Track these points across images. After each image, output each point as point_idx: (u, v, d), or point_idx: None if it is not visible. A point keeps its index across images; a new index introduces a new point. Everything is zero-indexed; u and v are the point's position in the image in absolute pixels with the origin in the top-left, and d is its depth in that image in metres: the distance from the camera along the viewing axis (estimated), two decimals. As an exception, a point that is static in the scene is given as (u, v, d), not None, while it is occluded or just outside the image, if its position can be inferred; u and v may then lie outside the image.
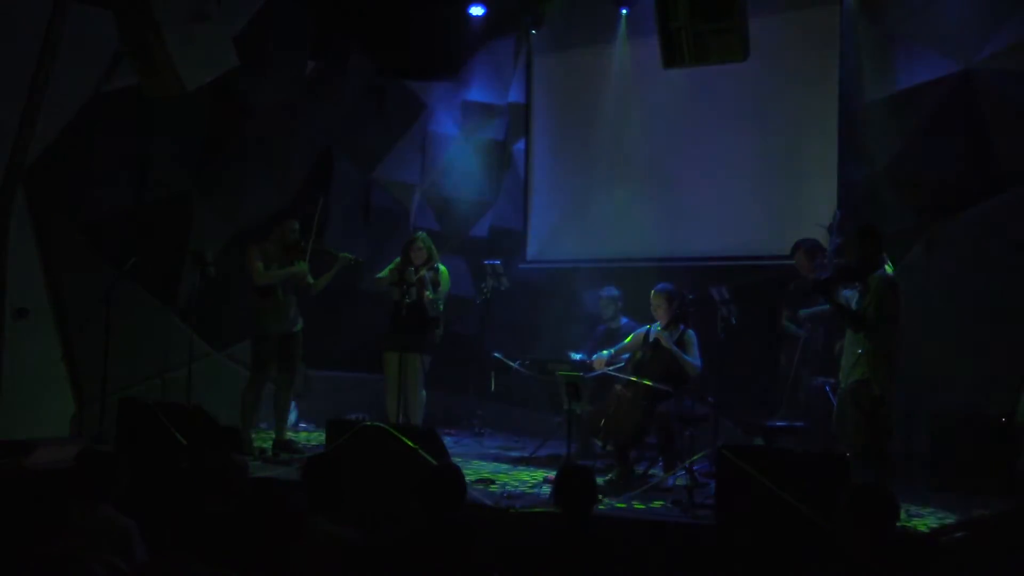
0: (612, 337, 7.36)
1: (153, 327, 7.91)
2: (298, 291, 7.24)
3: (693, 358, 6.55)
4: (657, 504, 5.75)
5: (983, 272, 6.74)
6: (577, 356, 7.51)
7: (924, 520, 5.36)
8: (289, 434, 7.47)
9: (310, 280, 7.25)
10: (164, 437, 6.15)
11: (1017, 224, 6.63)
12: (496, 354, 8.07)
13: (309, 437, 8.09)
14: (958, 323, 6.80)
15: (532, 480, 6.45)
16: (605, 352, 6.90)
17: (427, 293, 7.25)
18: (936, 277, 6.97)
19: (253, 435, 7.25)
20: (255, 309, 7.17)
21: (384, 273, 7.49)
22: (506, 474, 6.70)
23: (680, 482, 6.10)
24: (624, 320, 7.58)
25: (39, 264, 7.74)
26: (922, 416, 6.65)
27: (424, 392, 7.49)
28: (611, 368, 6.76)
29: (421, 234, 7.58)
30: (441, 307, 7.48)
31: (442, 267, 7.50)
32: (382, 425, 5.96)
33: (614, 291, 7.72)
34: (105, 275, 7.61)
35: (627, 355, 6.89)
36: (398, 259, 7.46)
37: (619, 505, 5.70)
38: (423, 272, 7.28)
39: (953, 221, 6.95)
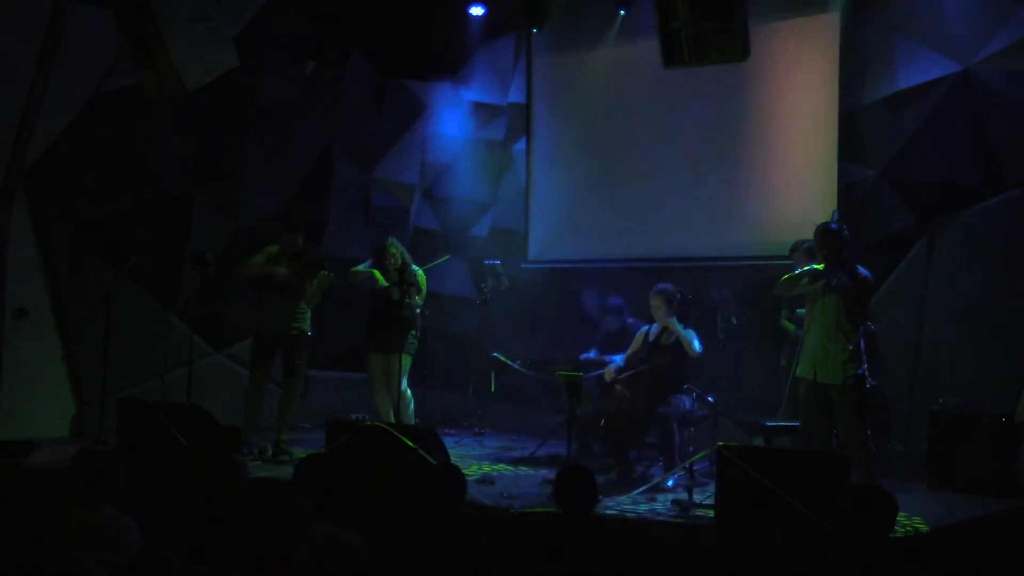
0: (623, 335, 7.36)
1: (153, 327, 7.91)
2: (299, 297, 7.20)
3: (693, 340, 6.56)
4: (657, 504, 5.75)
5: (983, 272, 6.74)
6: (589, 355, 7.51)
7: (924, 520, 5.36)
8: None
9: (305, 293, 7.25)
10: (164, 437, 6.15)
11: (1017, 224, 6.63)
12: (496, 354, 8.07)
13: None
14: (958, 323, 6.80)
15: (532, 480, 6.45)
16: (617, 359, 6.90)
17: (416, 299, 7.25)
18: (936, 277, 6.97)
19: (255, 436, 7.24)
20: (256, 309, 7.21)
21: (360, 268, 7.46)
22: (506, 474, 6.70)
23: (680, 482, 6.10)
24: (631, 320, 7.58)
25: (39, 264, 7.74)
26: (922, 416, 6.66)
27: (410, 392, 7.46)
28: (622, 375, 6.74)
29: (392, 239, 7.49)
30: (419, 311, 7.43)
31: (418, 269, 7.47)
32: (382, 425, 5.97)
33: (617, 301, 7.71)
34: (105, 275, 7.61)
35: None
36: (370, 262, 7.43)
37: (619, 505, 5.69)
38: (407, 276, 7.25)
39: (953, 221, 6.95)
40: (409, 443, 5.56)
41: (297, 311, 7.16)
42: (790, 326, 6.89)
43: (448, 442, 6.54)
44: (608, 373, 6.80)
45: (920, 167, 7.10)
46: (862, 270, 5.69)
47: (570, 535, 3.77)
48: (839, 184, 7.43)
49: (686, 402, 6.39)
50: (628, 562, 3.74)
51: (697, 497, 5.59)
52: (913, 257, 7.09)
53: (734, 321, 6.53)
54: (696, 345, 6.54)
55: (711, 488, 5.51)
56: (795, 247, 6.87)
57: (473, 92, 9.71)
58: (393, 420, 7.01)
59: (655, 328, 6.77)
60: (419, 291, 7.29)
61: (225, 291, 7.92)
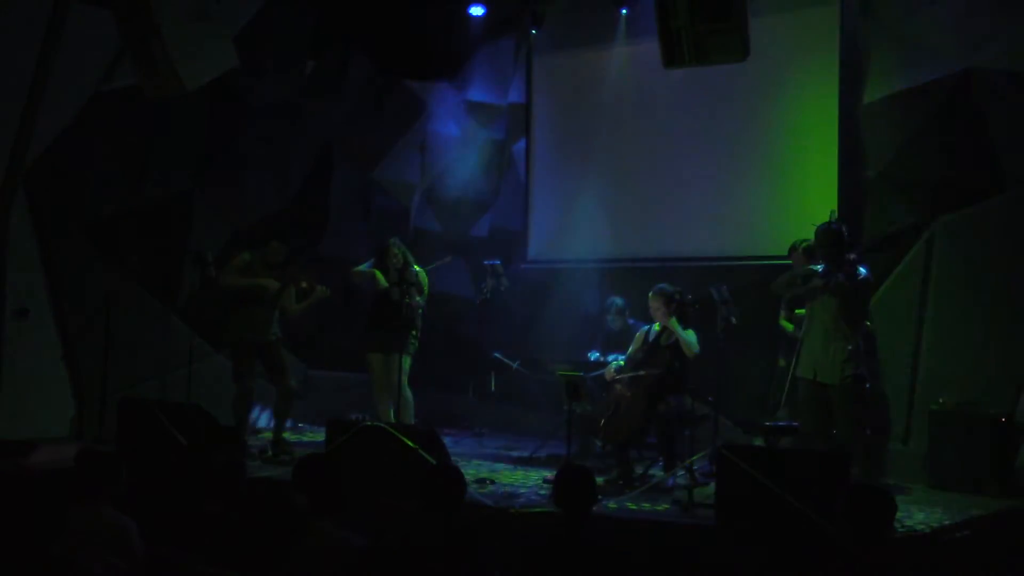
0: (624, 334, 7.35)
1: (153, 327, 7.91)
2: (275, 305, 7.19)
3: (692, 342, 6.55)
4: (657, 504, 5.75)
5: (983, 272, 6.74)
6: (593, 356, 7.50)
7: (924, 520, 5.36)
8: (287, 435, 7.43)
9: (295, 305, 7.24)
10: (164, 437, 6.15)
11: (1017, 224, 6.63)
12: (496, 354, 8.07)
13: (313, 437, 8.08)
14: (958, 323, 6.80)
15: (532, 480, 6.45)
16: (619, 360, 6.89)
17: (418, 299, 7.25)
18: (936, 277, 6.97)
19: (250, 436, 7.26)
20: (230, 317, 7.20)
21: (362, 268, 7.47)
22: (506, 474, 6.70)
23: (680, 482, 6.10)
24: (631, 320, 7.58)
25: (39, 264, 7.74)
26: (922, 416, 6.66)
27: (410, 392, 7.46)
28: (621, 376, 6.73)
29: (394, 240, 7.47)
30: (421, 311, 7.43)
31: (419, 269, 7.46)
32: (382, 425, 5.97)
33: (619, 301, 7.72)
34: (105, 275, 7.60)
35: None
36: (372, 261, 7.43)
37: (619, 505, 5.69)
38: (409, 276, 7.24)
39: (953, 221, 6.94)
40: (409, 443, 5.57)
41: (273, 317, 7.17)
42: (789, 326, 6.89)
43: (448, 442, 6.55)
44: (608, 373, 6.80)
45: (920, 167, 7.10)
46: (863, 269, 5.69)
47: (570, 535, 3.77)
48: (839, 184, 7.43)
49: (686, 402, 6.38)
50: (628, 562, 3.74)
51: (697, 497, 5.59)
52: (913, 257, 7.09)
53: (734, 321, 6.52)
54: (695, 346, 6.53)
55: (711, 488, 5.52)
56: (794, 247, 6.87)
57: (473, 92, 9.71)
58: (393, 420, 7.02)
59: (655, 328, 6.76)
60: (420, 291, 7.30)
61: (225, 291, 7.91)
